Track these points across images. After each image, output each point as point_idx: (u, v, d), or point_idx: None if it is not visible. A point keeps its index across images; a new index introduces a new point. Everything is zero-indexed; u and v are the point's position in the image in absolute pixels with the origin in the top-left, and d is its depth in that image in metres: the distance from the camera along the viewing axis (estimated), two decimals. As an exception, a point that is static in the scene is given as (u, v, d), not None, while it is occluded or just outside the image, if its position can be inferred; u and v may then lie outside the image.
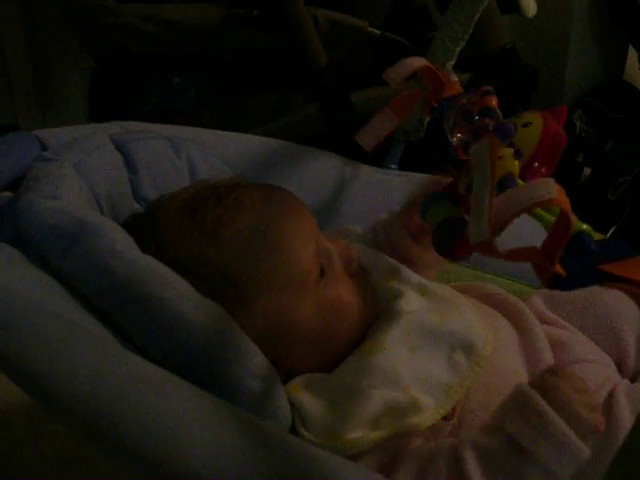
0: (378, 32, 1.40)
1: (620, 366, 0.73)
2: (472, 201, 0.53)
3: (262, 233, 0.64)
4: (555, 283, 0.48)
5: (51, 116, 1.93)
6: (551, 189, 0.47)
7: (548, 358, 0.68)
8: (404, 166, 1.06)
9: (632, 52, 1.72)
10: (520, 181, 0.55)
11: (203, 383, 0.54)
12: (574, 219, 0.48)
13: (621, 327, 0.73)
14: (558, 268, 0.48)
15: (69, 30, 1.54)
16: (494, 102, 0.79)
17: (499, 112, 0.78)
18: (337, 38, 1.36)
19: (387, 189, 0.95)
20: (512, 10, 1.47)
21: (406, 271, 0.72)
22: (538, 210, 0.52)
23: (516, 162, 0.56)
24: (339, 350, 0.65)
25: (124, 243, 0.61)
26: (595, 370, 0.69)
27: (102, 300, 0.59)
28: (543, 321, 0.73)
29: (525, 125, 0.64)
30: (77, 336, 0.53)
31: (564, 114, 0.65)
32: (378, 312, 0.69)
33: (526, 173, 0.59)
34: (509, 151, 0.57)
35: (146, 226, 0.66)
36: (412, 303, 0.68)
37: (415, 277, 0.71)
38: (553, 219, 0.50)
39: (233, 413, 0.51)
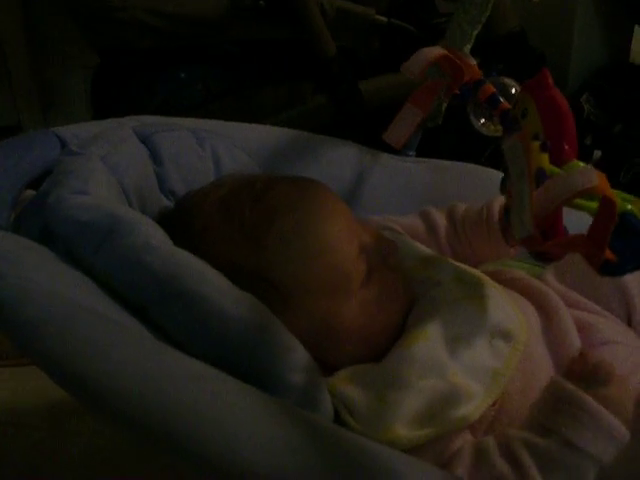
0: (385, 19, 1.39)
1: (630, 322, 0.73)
2: (512, 197, 0.53)
3: (303, 235, 0.63)
4: (607, 269, 0.47)
5: (53, 115, 1.92)
6: (591, 176, 0.47)
7: (575, 340, 0.67)
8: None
9: (637, 33, 1.72)
10: (556, 168, 0.54)
11: (244, 378, 0.53)
12: (618, 201, 0.47)
13: (625, 284, 0.73)
14: (608, 254, 0.47)
15: (70, 28, 1.53)
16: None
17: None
18: (344, 26, 1.35)
19: (406, 176, 0.94)
20: (518, -6, 1.47)
21: (441, 258, 0.71)
22: (576, 200, 0.51)
23: (545, 155, 0.55)
24: (382, 342, 0.65)
25: (159, 238, 0.59)
26: (624, 352, 0.69)
27: (138, 296, 0.58)
28: (567, 304, 0.73)
29: (524, 114, 0.63)
30: (119, 335, 0.52)
31: (546, 76, 0.62)
32: (413, 300, 0.68)
33: (553, 157, 0.57)
34: (536, 145, 0.56)
35: (181, 226, 0.65)
36: (450, 291, 0.67)
37: (450, 265, 0.71)
38: (593, 204, 0.49)
39: (283, 407, 0.50)
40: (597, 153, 1.52)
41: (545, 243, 0.49)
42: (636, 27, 1.71)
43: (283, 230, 0.63)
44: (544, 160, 0.53)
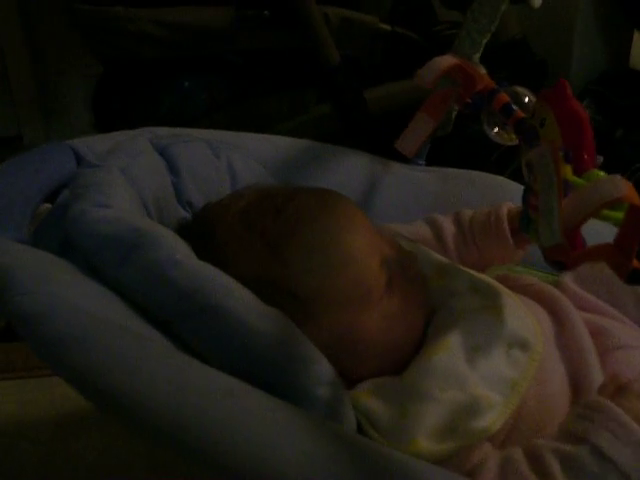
0: (389, 27, 1.39)
1: None
2: (540, 207, 0.53)
3: (325, 247, 0.63)
4: (634, 278, 0.48)
5: (55, 126, 1.92)
6: (620, 186, 0.47)
7: (588, 345, 0.67)
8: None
9: (637, 40, 1.73)
10: (578, 179, 0.54)
11: (269, 391, 0.53)
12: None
13: None
14: (636, 263, 0.47)
15: (72, 37, 1.53)
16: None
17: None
18: (348, 35, 1.35)
19: (417, 185, 0.95)
20: (518, 1, 1.48)
21: (456, 268, 0.72)
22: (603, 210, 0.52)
23: (568, 166, 0.55)
24: (402, 354, 0.65)
25: (183, 252, 0.59)
26: (639, 357, 0.69)
27: (162, 311, 0.58)
28: (581, 307, 0.73)
29: (542, 124, 0.63)
30: (149, 349, 0.52)
31: (565, 87, 0.62)
32: (432, 309, 0.68)
33: (574, 167, 0.58)
34: (559, 156, 0.56)
35: (201, 238, 0.65)
36: (466, 301, 0.67)
37: (465, 273, 0.71)
38: (618, 214, 0.49)
39: (313, 421, 0.50)
40: (599, 159, 1.52)
41: (573, 252, 0.49)
42: (636, 33, 1.72)
43: (305, 241, 0.63)
44: (568, 171, 0.54)
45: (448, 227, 0.81)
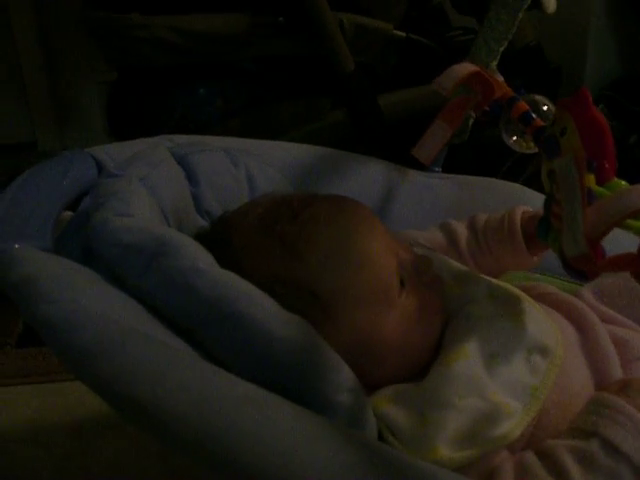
0: (403, 34, 1.40)
1: None
2: (564, 217, 0.53)
3: (343, 248, 0.64)
4: (658, 289, 0.48)
5: (69, 132, 1.93)
6: None
7: (613, 355, 0.67)
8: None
9: (650, 45, 1.73)
10: (600, 189, 0.54)
11: (291, 398, 0.53)
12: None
13: None
14: (660, 273, 0.47)
15: (87, 44, 1.54)
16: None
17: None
18: (363, 42, 1.36)
19: (434, 192, 0.95)
20: (532, 7, 1.48)
21: (474, 275, 0.72)
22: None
23: (591, 175, 0.55)
24: (420, 358, 0.65)
25: (206, 260, 0.60)
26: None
27: (185, 319, 0.58)
28: (601, 319, 0.73)
29: (562, 133, 0.63)
30: (173, 357, 0.52)
31: (586, 96, 0.61)
32: (449, 316, 0.69)
33: (597, 176, 0.58)
34: (583, 165, 0.56)
35: (220, 245, 0.65)
36: (485, 308, 0.67)
37: (484, 280, 0.71)
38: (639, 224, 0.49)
39: (336, 428, 0.50)
40: (613, 165, 1.52)
41: (597, 262, 0.49)
42: (649, 39, 1.72)
43: (323, 242, 0.63)
44: (591, 180, 0.54)
45: (462, 232, 0.81)
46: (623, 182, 0.57)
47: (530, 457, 0.57)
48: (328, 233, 0.64)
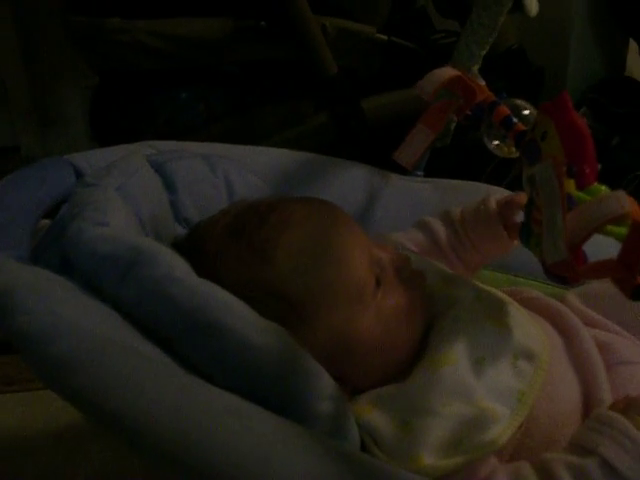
0: (385, 37, 1.39)
1: None
2: (544, 222, 0.53)
3: (313, 249, 0.63)
4: (638, 294, 0.47)
5: (52, 136, 1.92)
6: (624, 202, 0.47)
7: (596, 360, 0.67)
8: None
9: (632, 47, 1.73)
10: (580, 194, 0.54)
11: (272, 408, 0.53)
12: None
13: None
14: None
15: (69, 48, 1.53)
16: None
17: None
18: (345, 46, 1.36)
19: (416, 196, 0.95)
20: (515, 10, 1.48)
21: (461, 277, 0.71)
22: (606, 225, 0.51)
23: (571, 181, 0.55)
24: (403, 358, 0.65)
25: (182, 269, 0.59)
26: (642, 372, 0.69)
27: (162, 328, 0.58)
28: (585, 323, 0.73)
29: (543, 137, 0.63)
30: (151, 369, 0.52)
31: (567, 100, 0.61)
32: (433, 317, 0.68)
33: (577, 181, 0.57)
34: (562, 170, 0.56)
35: (195, 255, 0.65)
36: (472, 311, 0.67)
37: (470, 283, 0.71)
38: (621, 230, 0.49)
39: (316, 439, 0.50)
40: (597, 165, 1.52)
41: (577, 268, 0.49)
42: (631, 41, 1.73)
43: (291, 242, 0.63)
44: (571, 185, 0.53)
45: (440, 229, 0.81)
46: (603, 187, 0.57)
47: (526, 469, 0.57)
48: (296, 236, 0.64)
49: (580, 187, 0.56)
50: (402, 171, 1.00)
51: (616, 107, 1.63)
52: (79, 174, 0.74)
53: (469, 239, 0.79)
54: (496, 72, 1.42)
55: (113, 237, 0.60)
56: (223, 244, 0.65)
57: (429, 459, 0.56)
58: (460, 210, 0.81)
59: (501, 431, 0.58)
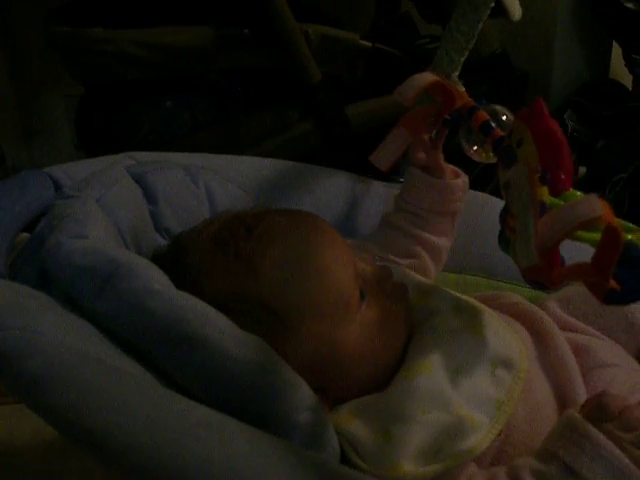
0: (369, 44, 1.40)
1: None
2: (517, 228, 0.53)
3: (299, 261, 0.64)
4: (611, 298, 0.47)
5: (37, 145, 1.91)
6: (596, 206, 0.46)
7: (572, 365, 0.67)
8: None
9: (615, 50, 1.74)
10: (555, 200, 0.54)
11: (250, 420, 0.53)
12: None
13: (633, 312, 0.74)
14: (612, 283, 0.47)
15: (53, 57, 1.53)
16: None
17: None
18: (329, 52, 1.36)
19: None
20: (498, 14, 1.49)
21: (438, 288, 0.72)
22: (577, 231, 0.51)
23: (544, 187, 0.55)
24: (385, 370, 0.65)
25: (160, 281, 0.59)
26: (621, 374, 0.69)
27: (140, 341, 0.58)
28: (563, 327, 0.73)
29: (519, 144, 0.62)
30: (127, 384, 0.51)
31: (542, 107, 0.61)
32: (414, 328, 0.69)
33: (550, 187, 0.57)
34: (536, 177, 0.56)
35: (176, 265, 0.65)
36: (449, 321, 0.67)
37: (448, 294, 0.71)
38: (595, 235, 0.49)
39: (292, 451, 0.50)
40: (582, 170, 1.53)
41: (550, 272, 0.49)
42: (615, 44, 1.73)
43: (277, 254, 0.63)
44: (544, 192, 0.53)
45: (399, 218, 0.82)
46: (579, 193, 0.57)
47: (501, 477, 0.57)
48: (283, 247, 0.64)
49: (555, 193, 0.56)
50: (385, 178, 1.01)
51: (601, 110, 1.64)
52: (58, 186, 0.74)
53: (423, 209, 0.81)
54: (480, 77, 1.43)
55: (92, 249, 0.60)
56: (208, 254, 0.65)
57: (408, 466, 0.56)
58: (397, 194, 0.84)
59: (480, 439, 0.58)
